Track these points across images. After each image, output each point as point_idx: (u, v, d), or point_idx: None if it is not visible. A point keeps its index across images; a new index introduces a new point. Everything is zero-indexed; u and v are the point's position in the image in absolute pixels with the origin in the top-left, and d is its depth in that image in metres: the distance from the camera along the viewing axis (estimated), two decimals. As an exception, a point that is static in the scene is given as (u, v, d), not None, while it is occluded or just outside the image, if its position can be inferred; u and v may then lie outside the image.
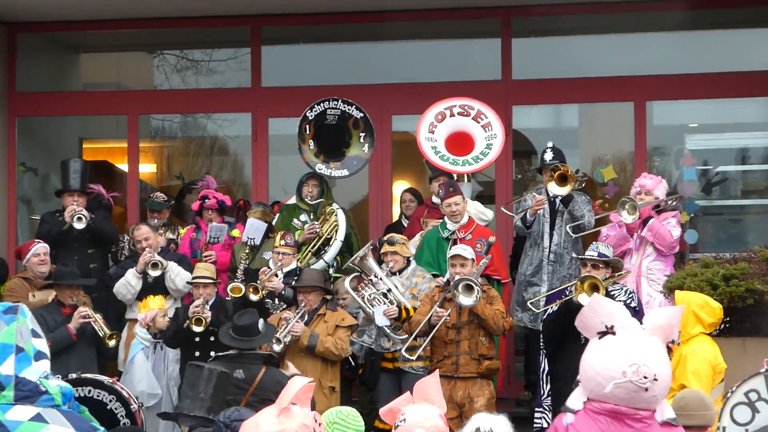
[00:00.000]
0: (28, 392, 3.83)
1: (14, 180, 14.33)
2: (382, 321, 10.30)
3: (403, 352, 10.09)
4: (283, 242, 11.03)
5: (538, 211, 11.17)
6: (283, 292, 10.76)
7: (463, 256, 9.99)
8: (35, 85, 14.79)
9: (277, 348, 9.95)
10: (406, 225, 12.59)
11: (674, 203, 11.55)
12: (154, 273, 11.14)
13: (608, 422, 5.47)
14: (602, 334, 5.60)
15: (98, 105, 14.94)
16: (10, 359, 3.83)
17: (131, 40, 15.67)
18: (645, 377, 5.39)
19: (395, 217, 13.67)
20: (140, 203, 14.49)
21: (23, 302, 10.57)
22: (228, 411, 6.16)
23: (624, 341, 5.52)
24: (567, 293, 9.86)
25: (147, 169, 15.86)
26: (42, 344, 4.06)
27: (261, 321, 9.06)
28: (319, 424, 5.20)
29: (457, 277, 9.81)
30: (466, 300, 9.68)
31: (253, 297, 10.81)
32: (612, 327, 5.57)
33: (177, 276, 11.19)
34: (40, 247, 11.33)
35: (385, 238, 10.97)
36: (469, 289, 9.69)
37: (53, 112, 14.97)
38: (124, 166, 14.86)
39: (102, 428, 4.12)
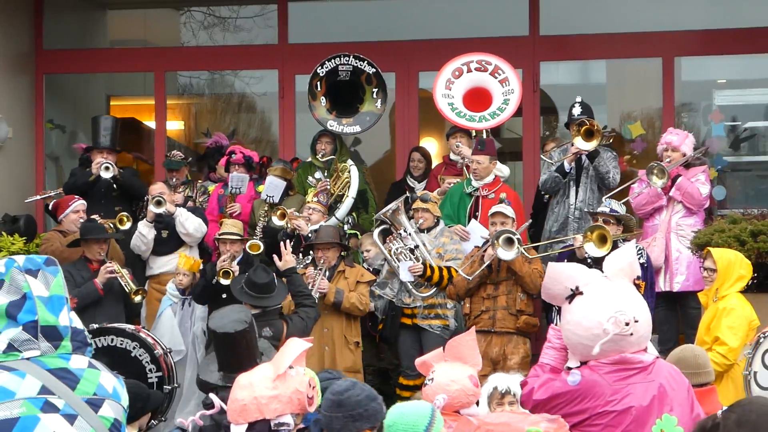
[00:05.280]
0: (79, 343, 3.92)
1: (42, 137, 14.36)
2: (406, 277, 10.31)
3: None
4: (315, 199, 11.09)
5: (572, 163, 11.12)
6: (309, 235, 10.74)
7: (504, 213, 9.98)
8: (62, 43, 14.80)
9: None
10: (410, 184, 12.49)
11: (702, 156, 11.46)
12: (157, 210, 11.17)
13: (617, 373, 5.47)
14: (570, 298, 5.58)
15: (125, 62, 14.95)
16: (65, 310, 3.90)
17: (158, -4, 15.74)
18: (626, 324, 5.40)
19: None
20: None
21: (56, 247, 10.76)
22: None
23: (594, 297, 5.50)
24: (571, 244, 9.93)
25: (174, 126, 15.88)
26: None
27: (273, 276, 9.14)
28: (313, 388, 5.19)
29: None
30: (506, 253, 9.66)
31: (278, 222, 10.92)
32: (577, 288, 5.55)
33: (186, 220, 11.25)
34: (79, 204, 11.31)
35: (419, 194, 10.96)
36: (509, 242, 9.67)
37: (80, 69, 15.00)
38: (151, 123, 14.90)
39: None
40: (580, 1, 14.56)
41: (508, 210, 10.03)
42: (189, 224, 11.24)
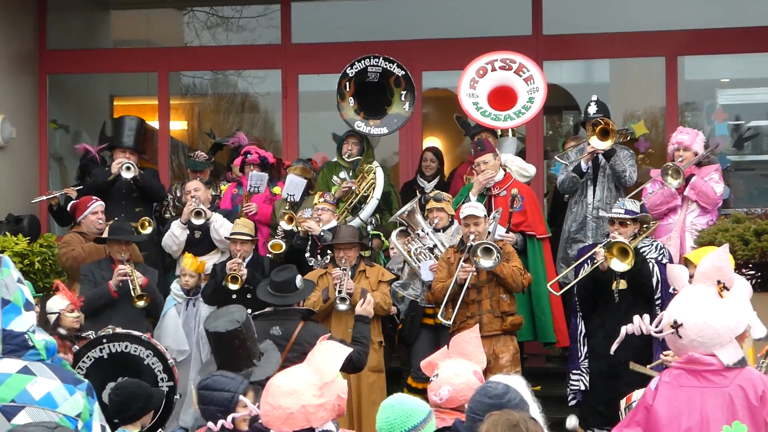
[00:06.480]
0: (15, 346, 3.82)
1: (45, 137, 14.37)
2: (428, 276, 10.25)
3: (440, 317, 9.93)
4: (322, 199, 11.07)
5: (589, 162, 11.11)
6: (322, 234, 10.71)
7: (475, 215, 9.88)
8: (66, 43, 14.81)
9: (342, 307, 9.95)
10: (420, 184, 12.51)
11: (712, 154, 11.42)
12: (197, 221, 11.16)
13: (689, 378, 5.51)
14: None
15: (129, 62, 14.97)
16: None
17: (161, -4, 15.75)
18: (672, 326, 5.49)
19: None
20: (172, 160, 14.57)
21: (78, 253, 10.74)
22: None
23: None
24: (592, 261, 9.80)
25: (178, 126, 15.88)
26: (28, 293, 4.03)
27: (299, 277, 9.03)
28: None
29: (472, 237, 9.74)
30: (486, 263, 9.60)
31: (286, 226, 10.90)
32: (674, 289, 5.78)
33: (221, 227, 11.20)
34: (97, 205, 11.28)
35: (432, 194, 10.94)
36: (487, 251, 9.63)
37: (84, 69, 15.02)
38: (154, 124, 14.90)
39: (85, 380, 4.08)
40: (583, 1, 14.57)
41: (479, 210, 9.96)
42: (224, 231, 11.14)
